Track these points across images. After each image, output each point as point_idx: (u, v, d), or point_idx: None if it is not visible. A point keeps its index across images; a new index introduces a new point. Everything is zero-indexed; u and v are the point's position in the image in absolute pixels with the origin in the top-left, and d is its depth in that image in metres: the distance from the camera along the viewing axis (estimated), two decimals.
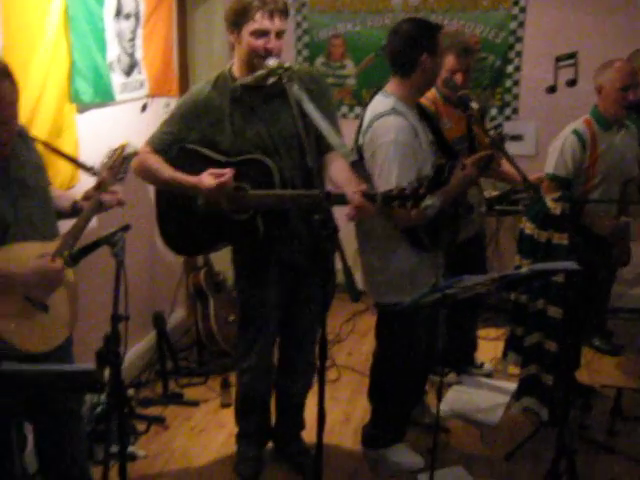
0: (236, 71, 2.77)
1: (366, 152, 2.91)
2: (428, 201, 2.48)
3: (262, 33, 2.61)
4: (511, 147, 4.63)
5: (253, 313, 3.00)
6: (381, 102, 2.95)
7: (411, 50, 2.88)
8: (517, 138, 3.66)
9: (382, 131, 2.87)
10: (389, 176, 2.80)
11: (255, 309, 2.99)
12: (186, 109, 2.81)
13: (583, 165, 3.48)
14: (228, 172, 2.62)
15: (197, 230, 2.84)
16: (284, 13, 2.65)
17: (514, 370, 3.79)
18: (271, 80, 2.69)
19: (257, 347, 3.03)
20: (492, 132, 3.45)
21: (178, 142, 2.81)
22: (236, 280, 3.06)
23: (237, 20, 2.64)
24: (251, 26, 2.61)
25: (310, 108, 2.47)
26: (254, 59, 2.66)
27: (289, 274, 2.92)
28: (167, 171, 2.77)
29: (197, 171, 2.69)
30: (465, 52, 3.46)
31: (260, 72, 2.64)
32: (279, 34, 2.64)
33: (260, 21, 2.59)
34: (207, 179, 2.63)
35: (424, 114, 3.11)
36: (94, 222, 2.54)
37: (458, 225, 3.11)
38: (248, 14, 2.59)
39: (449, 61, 3.42)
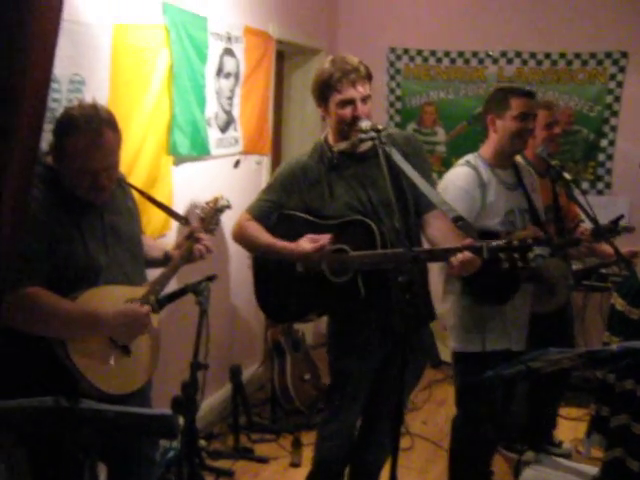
0: (331, 139, 2.82)
1: None
2: (537, 250, 2.41)
3: (348, 102, 2.64)
4: (602, 221, 4.53)
5: (345, 382, 2.92)
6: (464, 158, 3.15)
7: (484, 112, 3.12)
8: (630, 230, 3.51)
9: (450, 177, 3.11)
10: None
11: (348, 379, 2.91)
12: (285, 177, 2.85)
13: None
14: (326, 237, 2.65)
15: (294, 296, 2.82)
16: (367, 78, 2.68)
17: (597, 452, 3.61)
18: (366, 145, 2.71)
19: (342, 416, 2.95)
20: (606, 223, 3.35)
21: (277, 209, 2.84)
22: (329, 348, 2.98)
23: (322, 94, 2.70)
24: (336, 97, 2.65)
25: (407, 168, 2.48)
26: (345, 127, 2.70)
27: (388, 341, 2.84)
28: (265, 238, 2.79)
29: (298, 235, 2.71)
30: (549, 104, 3.46)
31: (354, 138, 2.65)
32: (365, 99, 2.66)
33: (344, 91, 2.63)
34: (305, 244, 2.66)
35: (521, 183, 3.15)
36: (181, 270, 2.59)
37: (517, 283, 3.06)
38: (331, 86, 2.64)
39: (541, 115, 3.43)
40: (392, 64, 5.45)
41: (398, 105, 5.48)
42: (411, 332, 2.55)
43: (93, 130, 2.18)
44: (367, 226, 2.67)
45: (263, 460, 3.89)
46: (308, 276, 2.73)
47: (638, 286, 3.01)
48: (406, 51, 5.41)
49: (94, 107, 2.25)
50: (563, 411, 4.45)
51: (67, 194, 2.27)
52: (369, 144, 2.68)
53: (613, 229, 3.24)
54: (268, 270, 2.88)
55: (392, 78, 5.45)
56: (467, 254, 2.45)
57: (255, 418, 4.29)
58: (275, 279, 2.87)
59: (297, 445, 3.90)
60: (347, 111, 2.65)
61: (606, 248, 3.03)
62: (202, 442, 3.89)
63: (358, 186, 2.76)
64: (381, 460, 3.13)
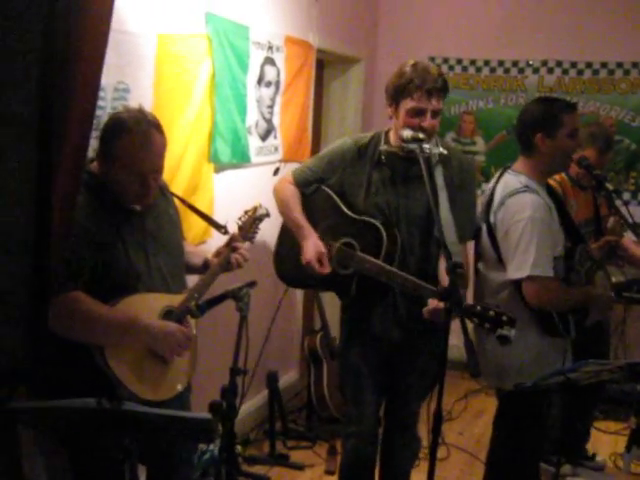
0: (391, 137, 2.82)
1: (499, 231, 2.81)
2: (505, 331, 2.33)
3: (418, 112, 2.63)
4: None
5: (347, 378, 3.01)
6: (512, 180, 2.86)
7: (527, 130, 2.83)
8: None
9: (517, 208, 2.75)
10: (526, 255, 2.69)
11: (348, 375, 2.99)
12: (335, 155, 2.90)
13: None
14: (325, 269, 2.74)
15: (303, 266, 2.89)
16: (443, 92, 2.65)
17: (637, 467, 3.57)
18: (416, 152, 2.62)
19: (359, 412, 2.99)
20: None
21: (318, 181, 2.92)
22: (340, 338, 3.11)
23: (396, 95, 2.69)
24: (409, 103, 2.64)
25: (442, 197, 2.48)
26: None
27: (383, 344, 2.90)
28: (295, 210, 2.91)
29: (322, 214, 2.85)
30: (608, 148, 3.40)
31: (408, 145, 2.63)
32: (435, 114, 2.65)
33: (418, 100, 2.61)
34: (310, 250, 2.76)
35: (552, 195, 3.00)
36: (221, 276, 2.62)
37: (587, 309, 2.99)
38: (407, 91, 2.63)
39: (591, 155, 3.36)
40: None
41: None
42: (424, 341, 2.58)
43: (142, 132, 2.22)
44: (379, 232, 2.71)
45: (298, 467, 3.91)
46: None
47: None
48: (445, 60, 5.41)
49: (141, 111, 2.30)
50: (602, 425, 4.40)
51: (110, 201, 2.30)
52: (419, 154, 2.60)
53: None
54: (289, 235, 2.96)
55: None
56: (440, 305, 2.41)
57: (291, 425, 4.31)
58: (293, 245, 2.92)
59: (332, 452, 3.91)
60: (415, 120, 2.64)
61: None
62: (238, 447, 3.91)
63: (393, 191, 2.78)
64: (407, 459, 3.13)
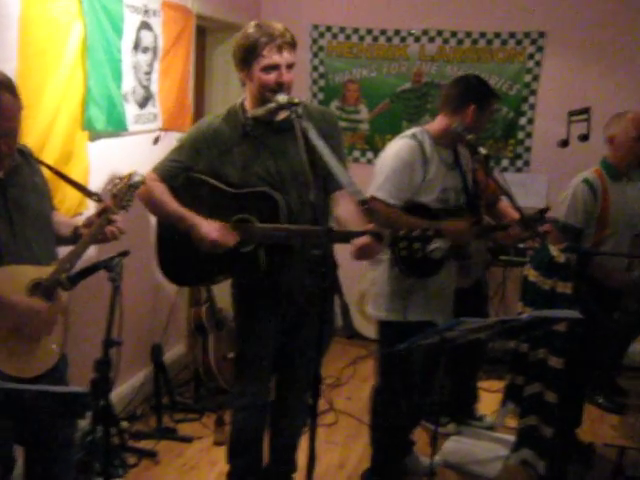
0: (248, 105, 2.79)
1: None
2: (434, 244, 2.47)
3: (272, 67, 2.63)
4: (520, 198, 4.64)
5: (248, 349, 2.97)
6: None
7: (466, 96, 3.13)
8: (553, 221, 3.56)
9: (390, 147, 3.18)
10: (378, 180, 3.08)
11: (251, 345, 2.95)
12: (195, 139, 2.82)
13: (594, 215, 3.45)
14: (233, 238, 2.65)
15: (198, 260, 2.81)
16: (292, 46, 2.67)
17: (512, 421, 3.71)
18: (281, 115, 2.71)
19: (252, 386, 2.99)
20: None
21: (185, 171, 2.81)
22: (235, 315, 3.03)
23: (246, 57, 2.66)
24: (261, 62, 2.63)
25: (320, 145, 2.47)
26: (266, 93, 2.66)
27: (288, 311, 2.90)
28: (170, 204, 2.76)
29: (201, 202, 2.71)
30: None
31: (270, 105, 2.64)
32: (289, 67, 2.66)
33: (269, 56, 2.61)
34: (209, 230, 2.65)
35: (459, 163, 3.23)
36: (94, 247, 2.53)
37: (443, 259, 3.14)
38: (257, 50, 2.61)
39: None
40: (315, 41, 5.42)
41: (321, 82, 5.47)
42: (317, 303, 2.59)
43: None
44: (273, 199, 2.67)
45: (186, 439, 3.87)
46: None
47: (549, 258, 3.09)
48: (329, 28, 5.40)
49: None
50: (485, 384, 4.56)
51: None
52: (285, 115, 2.66)
53: (539, 219, 3.32)
54: (171, 231, 2.82)
55: (315, 55, 5.43)
56: (366, 239, 2.48)
57: (178, 398, 4.25)
58: (178, 241, 2.81)
59: (220, 423, 3.89)
60: (271, 77, 2.63)
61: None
62: (124, 423, 3.83)
63: (269, 156, 2.75)
64: (298, 427, 3.17)
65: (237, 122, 2.78)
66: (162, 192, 2.79)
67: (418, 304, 3.14)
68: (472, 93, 3.14)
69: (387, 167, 3.10)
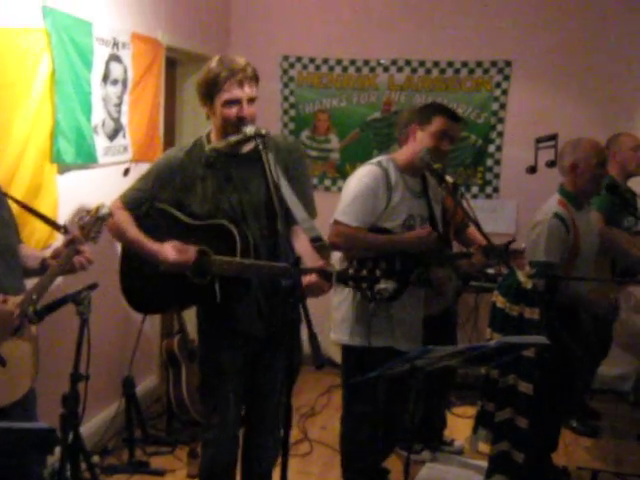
0: (213, 137, 2.81)
1: None
2: (382, 285, 2.48)
3: (233, 102, 2.64)
4: (491, 224, 4.70)
5: (211, 381, 2.93)
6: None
7: (407, 121, 3.31)
8: (520, 252, 3.57)
9: (355, 173, 3.30)
10: (342, 205, 3.19)
11: (212, 377, 2.92)
12: (160, 169, 2.84)
13: (568, 246, 3.41)
14: (191, 252, 2.65)
15: (159, 289, 2.82)
16: (254, 80, 2.69)
17: (485, 447, 3.71)
18: (248, 147, 2.73)
19: (218, 418, 2.94)
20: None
21: (149, 200, 2.82)
22: (198, 346, 3.02)
23: (208, 91, 2.68)
24: (222, 96, 2.64)
25: (281, 180, 2.50)
26: (228, 128, 2.69)
27: (248, 342, 2.88)
28: (132, 231, 2.77)
29: (163, 231, 2.73)
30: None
31: (233, 137, 2.66)
32: (251, 101, 2.67)
33: (230, 90, 2.62)
34: (170, 252, 2.66)
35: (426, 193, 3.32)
36: (61, 279, 2.52)
37: (405, 284, 3.22)
38: (218, 85, 2.63)
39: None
40: (285, 72, 5.47)
41: (292, 112, 5.51)
42: (283, 334, 2.60)
43: None
44: (230, 232, 2.69)
45: (159, 473, 3.81)
46: (171, 271, 2.73)
47: (517, 284, 3.12)
48: (299, 59, 5.45)
49: None
50: (460, 410, 4.56)
51: None
52: (251, 146, 2.69)
53: (504, 250, 3.35)
54: (134, 258, 2.84)
55: (286, 86, 5.48)
56: (314, 277, 2.51)
57: (151, 431, 4.21)
58: (140, 268, 2.82)
59: (194, 456, 3.83)
60: (232, 111, 2.65)
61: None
62: (95, 458, 3.77)
63: (232, 189, 2.77)
64: (271, 458, 3.12)
65: (201, 154, 2.80)
66: (125, 219, 2.80)
67: (381, 329, 3.19)
68: (413, 115, 3.31)
69: (351, 192, 3.19)
